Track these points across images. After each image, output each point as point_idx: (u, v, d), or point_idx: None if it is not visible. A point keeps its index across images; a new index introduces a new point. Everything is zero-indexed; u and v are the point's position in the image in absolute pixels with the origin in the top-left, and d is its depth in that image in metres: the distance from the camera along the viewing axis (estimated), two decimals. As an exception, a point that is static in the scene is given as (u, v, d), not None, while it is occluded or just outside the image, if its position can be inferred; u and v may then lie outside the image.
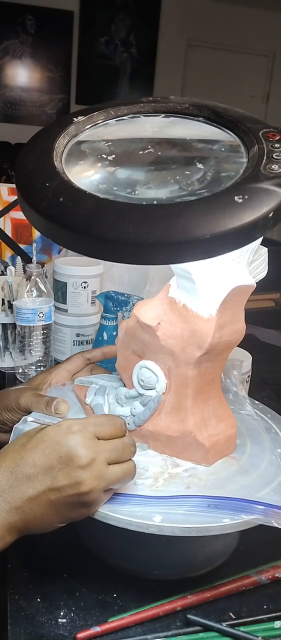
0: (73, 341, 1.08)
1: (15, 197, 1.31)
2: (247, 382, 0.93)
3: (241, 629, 0.55)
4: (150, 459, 0.63)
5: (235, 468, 0.62)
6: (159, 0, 5.24)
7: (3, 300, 1.04)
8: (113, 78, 5.38)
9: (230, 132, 0.62)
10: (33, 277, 0.97)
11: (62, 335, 1.08)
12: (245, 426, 0.71)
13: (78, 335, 1.08)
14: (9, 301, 1.04)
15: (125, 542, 0.59)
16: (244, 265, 0.61)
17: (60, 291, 1.07)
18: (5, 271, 1.06)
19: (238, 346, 0.66)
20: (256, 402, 0.77)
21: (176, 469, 0.62)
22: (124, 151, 0.66)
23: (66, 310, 1.07)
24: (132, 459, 0.56)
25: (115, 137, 0.66)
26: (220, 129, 0.63)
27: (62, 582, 0.59)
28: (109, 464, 0.53)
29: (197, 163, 0.60)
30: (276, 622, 0.57)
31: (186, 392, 0.62)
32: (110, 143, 0.65)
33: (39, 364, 0.98)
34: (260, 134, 0.58)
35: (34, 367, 0.98)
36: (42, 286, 0.97)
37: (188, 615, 0.56)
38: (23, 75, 5.26)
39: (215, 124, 0.64)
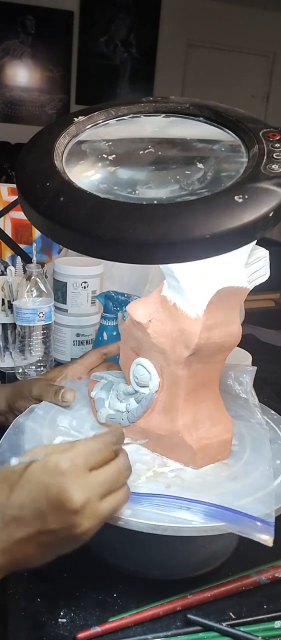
0: (73, 341, 1.08)
1: (15, 197, 1.31)
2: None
3: (241, 629, 0.55)
4: (140, 456, 0.63)
5: (225, 474, 0.61)
6: (159, 0, 5.25)
7: (3, 300, 1.04)
8: (113, 78, 5.39)
9: (231, 132, 0.62)
10: (33, 277, 0.97)
11: (62, 335, 1.08)
12: (251, 434, 0.69)
13: (78, 335, 1.08)
14: (9, 301, 1.03)
15: (125, 542, 0.59)
16: (238, 267, 0.60)
17: (60, 291, 1.07)
18: (5, 271, 1.06)
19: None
20: (272, 411, 0.75)
21: (163, 468, 0.61)
22: (124, 151, 0.66)
23: (66, 310, 1.07)
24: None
25: (115, 137, 0.66)
26: (221, 128, 0.64)
27: (62, 582, 0.59)
28: (103, 496, 0.50)
29: (197, 163, 0.60)
30: (276, 622, 0.57)
31: (177, 392, 0.62)
32: (110, 143, 0.65)
33: (39, 364, 0.98)
34: (260, 134, 0.58)
35: (33, 367, 0.97)
36: (42, 286, 0.97)
37: (188, 615, 0.56)
38: (23, 75, 5.27)
39: (215, 124, 0.64)
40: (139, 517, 0.53)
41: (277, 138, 0.57)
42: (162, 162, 0.63)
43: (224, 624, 0.55)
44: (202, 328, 0.58)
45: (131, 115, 0.67)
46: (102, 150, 0.63)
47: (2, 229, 1.34)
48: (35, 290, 0.97)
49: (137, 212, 0.52)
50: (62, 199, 0.53)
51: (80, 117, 0.64)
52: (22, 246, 1.35)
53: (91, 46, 5.27)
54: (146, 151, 0.63)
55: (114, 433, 0.53)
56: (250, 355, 0.95)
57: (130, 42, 5.35)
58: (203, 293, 0.58)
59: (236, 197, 0.50)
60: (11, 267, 1.05)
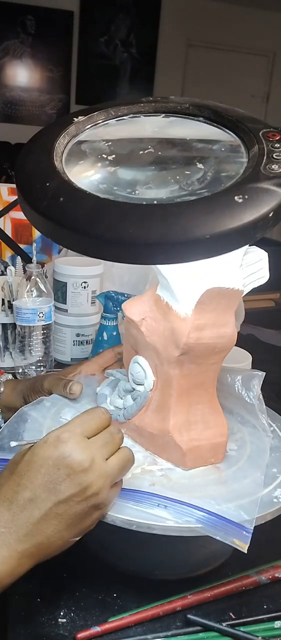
0: (73, 341, 1.08)
1: (15, 197, 1.31)
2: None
3: (241, 629, 0.55)
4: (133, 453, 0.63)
5: (214, 477, 0.61)
6: (159, 0, 5.25)
7: (3, 300, 1.04)
8: (113, 78, 5.39)
9: (230, 132, 0.62)
10: (33, 277, 0.97)
11: (62, 335, 1.08)
12: (253, 441, 0.68)
13: (78, 335, 1.08)
14: (9, 301, 1.04)
15: (125, 542, 0.59)
16: (231, 268, 0.58)
17: (60, 291, 1.07)
18: (5, 271, 1.06)
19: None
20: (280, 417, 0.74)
21: (152, 467, 0.61)
22: (124, 151, 0.66)
23: (66, 310, 1.07)
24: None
25: (115, 137, 0.66)
26: (220, 129, 0.64)
27: (62, 582, 0.59)
28: (106, 459, 0.53)
29: (197, 163, 0.60)
30: (276, 622, 0.56)
31: (169, 392, 0.62)
32: (110, 143, 0.65)
33: (38, 364, 0.98)
34: (260, 134, 0.58)
35: (33, 367, 0.98)
36: (42, 286, 0.97)
37: (188, 615, 0.56)
38: (23, 75, 5.27)
39: (215, 124, 0.64)
40: (115, 511, 0.53)
41: (277, 138, 0.57)
42: (162, 162, 0.63)
43: (224, 624, 0.55)
44: (191, 328, 0.57)
45: (131, 115, 0.67)
46: (101, 151, 0.63)
47: (2, 229, 1.34)
48: (35, 290, 0.97)
49: (136, 212, 0.52)
50: (61, 199, 0.53)
51: (80, 117, 0.64)
52: (22, 246, 1.35)
53: (91, 46, 5.27)
54: (146, 151, 0.63)
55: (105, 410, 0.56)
56: (250, 355, 0.95)
57: (130, 42, 5.35)
58: (193, 292, 0.57)
59: (236, 197, 0.50)
60: (11, 267, 1.05)
